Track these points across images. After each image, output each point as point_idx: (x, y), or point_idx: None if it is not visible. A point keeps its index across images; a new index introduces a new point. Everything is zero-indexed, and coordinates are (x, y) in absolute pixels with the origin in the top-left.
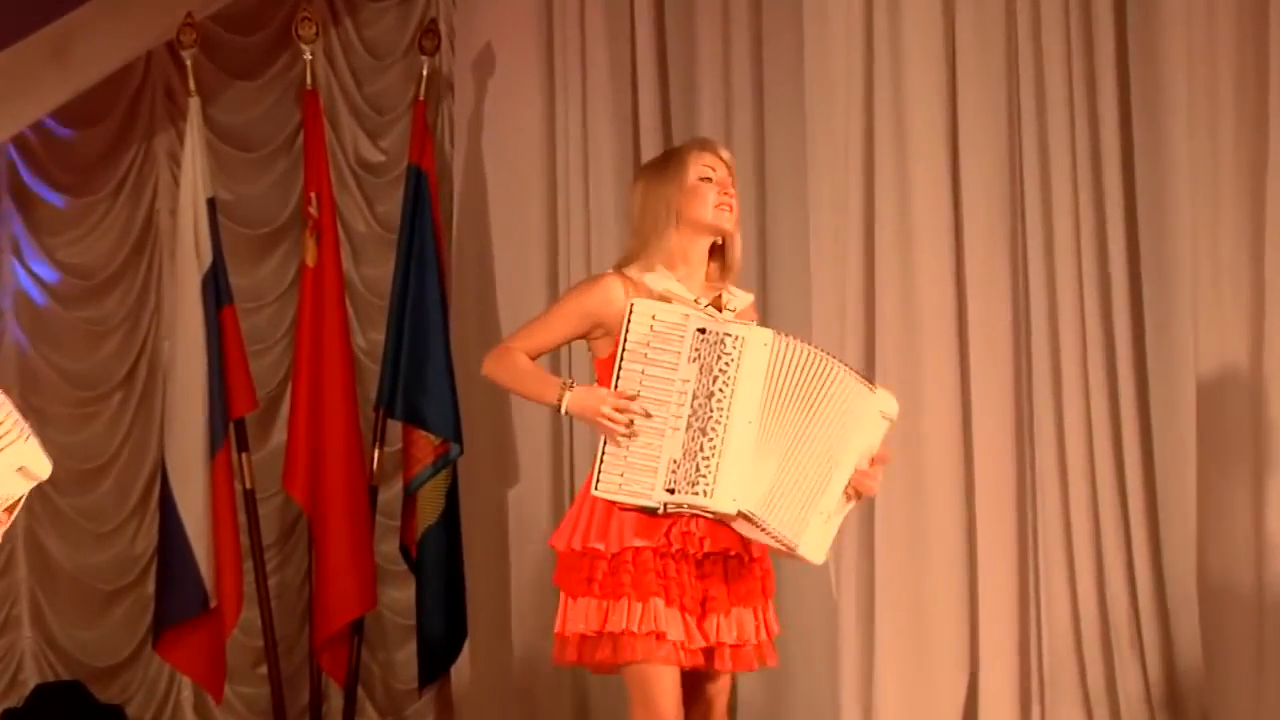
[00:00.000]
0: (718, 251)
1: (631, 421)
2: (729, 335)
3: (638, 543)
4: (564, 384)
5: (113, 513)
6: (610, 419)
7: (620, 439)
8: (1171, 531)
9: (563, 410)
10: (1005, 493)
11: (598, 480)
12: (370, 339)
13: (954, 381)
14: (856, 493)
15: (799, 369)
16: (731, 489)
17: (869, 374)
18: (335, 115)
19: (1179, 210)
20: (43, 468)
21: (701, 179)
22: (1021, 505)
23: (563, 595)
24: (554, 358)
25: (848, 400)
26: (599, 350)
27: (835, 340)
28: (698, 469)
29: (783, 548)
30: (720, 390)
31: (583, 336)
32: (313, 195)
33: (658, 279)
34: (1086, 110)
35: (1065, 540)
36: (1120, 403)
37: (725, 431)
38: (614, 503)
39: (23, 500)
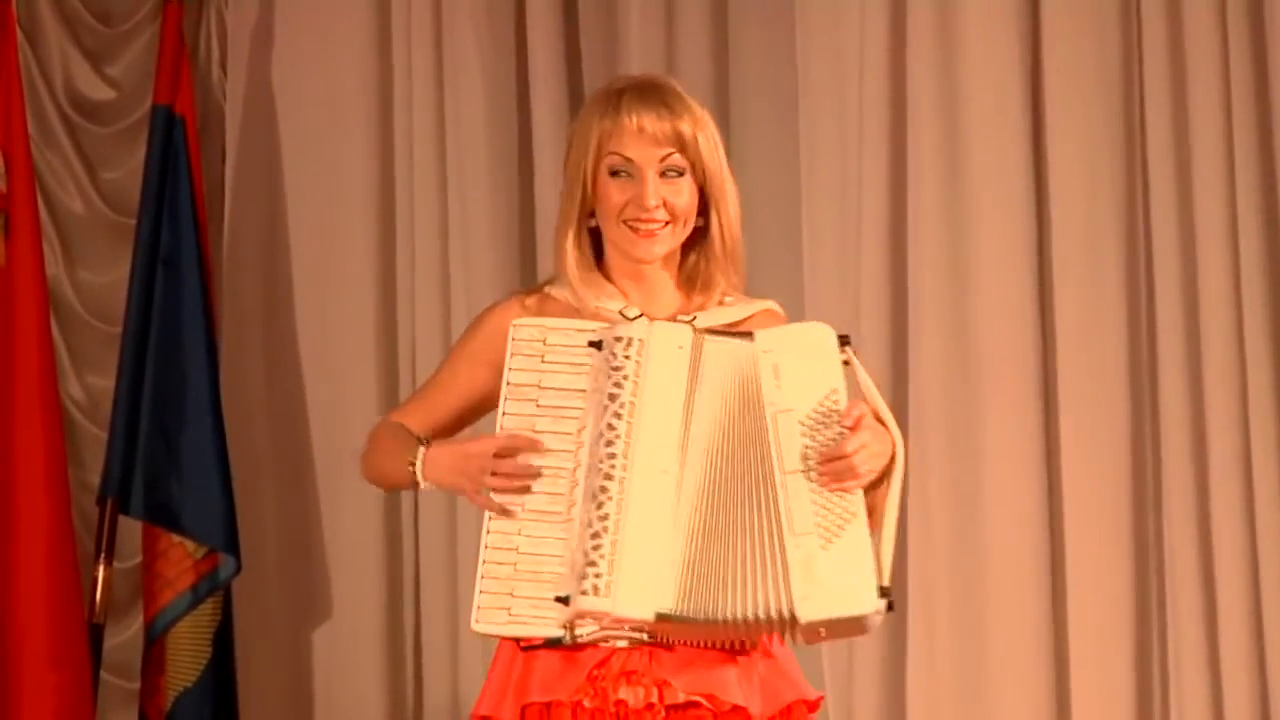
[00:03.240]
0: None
1: (531, 473)
2: (618, 339)
3: (539, 696)
4: (418, 446)
5: None
6: (485, 469)
7: (503, 506)
8: None
9: (421, 481)
10: (1114, 566)
11: (476, 604)
12: (90, 386)
13: (1036, 421)
14: (839, 481)
15: (724, 370)
16: (642, 582)
17: (899, 407)
18: (34, 25)
19: None
20: None
21: (611, 169)
22: (1142, 584)
23: None
24: None
25: (739, 370)
26: None
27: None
28: (585, 556)
29: (778, 632)
30: (611, 428)
31: (488, 395)
32: None
33: (569, 294)
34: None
35: (1206, 617)
36: None
37: (623, 491)
38: (513, 640)
39: None
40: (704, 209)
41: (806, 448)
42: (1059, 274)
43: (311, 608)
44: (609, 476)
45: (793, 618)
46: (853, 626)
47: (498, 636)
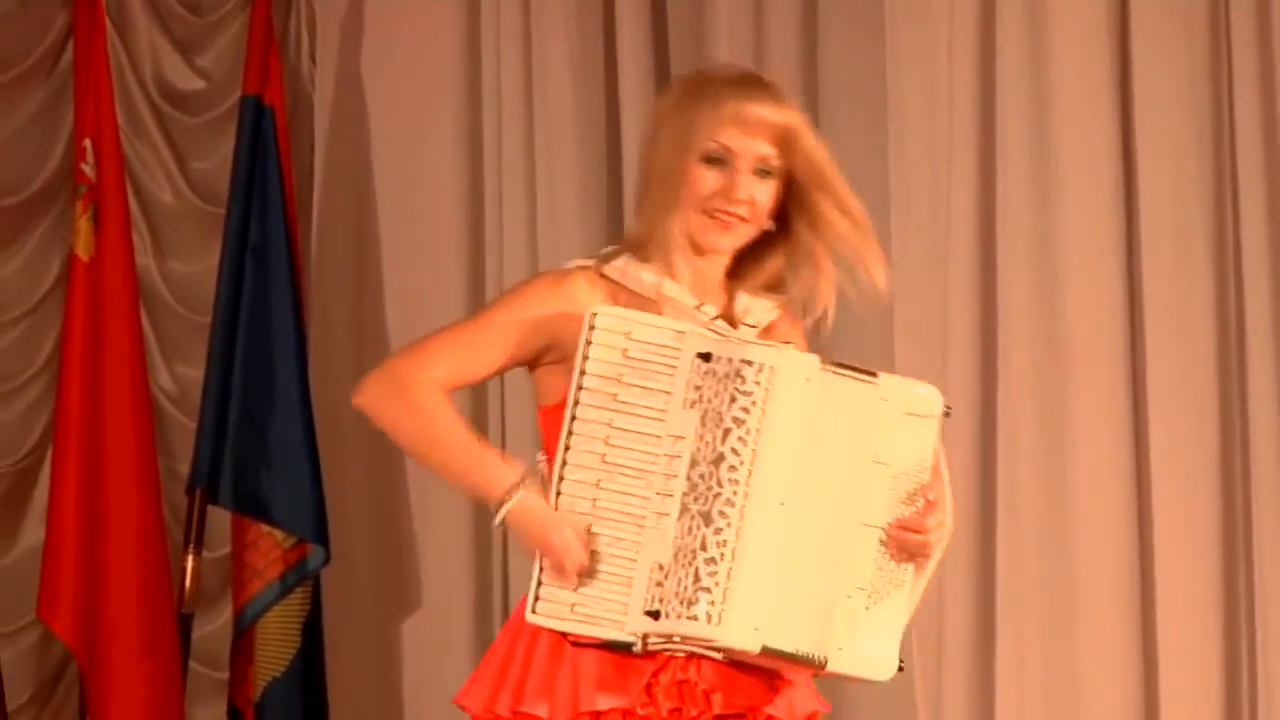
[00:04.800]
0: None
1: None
2: (748, 363)
3: (603, 703)
4: (514, 481)
5: None
6: (568, 552)
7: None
8: None
9: (498, 518)
10: (1202, 568)
11: (535, 598)
12: (180, 376)
13: (1126, 420)
14: (909, 555)
15: (842, 407)
16: (751, 612)
17: (989, 404)
18: (124, 16)
19: None
20: None
21: (705, 156)
22: (1230, 585)
23: None
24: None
25: (856, 411)
26: (548, 391)
27: (935, 366)
28: (697, 579)
29: (809, 670)
30: (735, 453)
31: (527, 364)
32: (87, 145)
33: (648, 275)
34: None
35: None
36: None
37: (743, 519)
38: (563, 635)
39: None
40: (779, 214)
41: (887, 507)
42: (1148, 272)
43: (401, 598)
44: (730, 503)
45: (823, 663)
46: (860, 683)
47: (554, 630)
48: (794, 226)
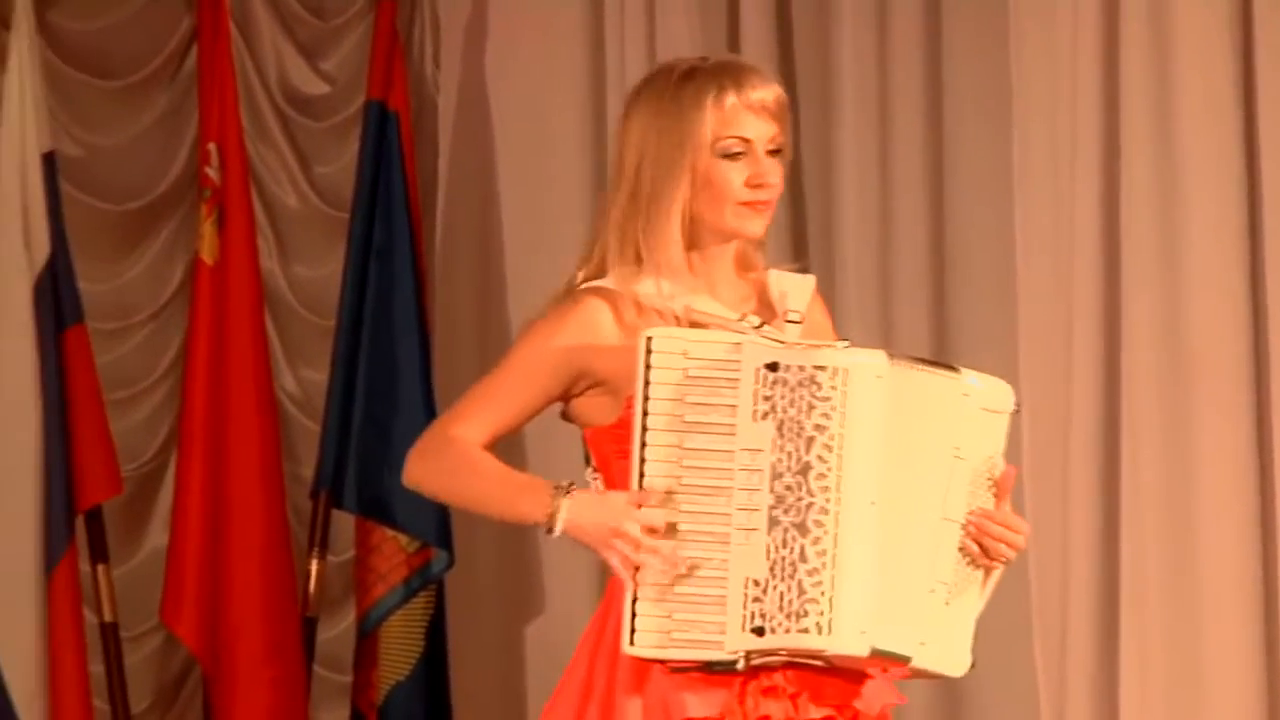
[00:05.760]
0: None
1: (674, 551)
2: (821, 369)
3: (694, 710)
4: (556, 487)
5: None
6: (636, 545)
7: (650, 580)
8: None
9: (556, 529)
10: None
11: (631, 631)
12: (305, 380)
13: (1249, 425)
14: (985, 552)
15: (919, 402)
16: (857, 617)
17: (1112, 409)
18: (248, 21)
19: None
20: None
21: (725, 152)
22: None
23: None
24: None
25: (937, 405)
26: (592, 415)
27: (1059, 369)
28: (802, 591)
29: (898, 666)
30: (822, 460)
31: (560, 399)
32: (211, 149)
33: (665, 289)
34: None
35: None
36: None
37: (838, 525)
38: (659, 662)
39: None
40: None
41: (966, 501)
42: (1272, 280)
43: (524, 601)
44: (824, 511)
45: (910, 659)
46: (934, 678)
47: (654, 660)
48: None
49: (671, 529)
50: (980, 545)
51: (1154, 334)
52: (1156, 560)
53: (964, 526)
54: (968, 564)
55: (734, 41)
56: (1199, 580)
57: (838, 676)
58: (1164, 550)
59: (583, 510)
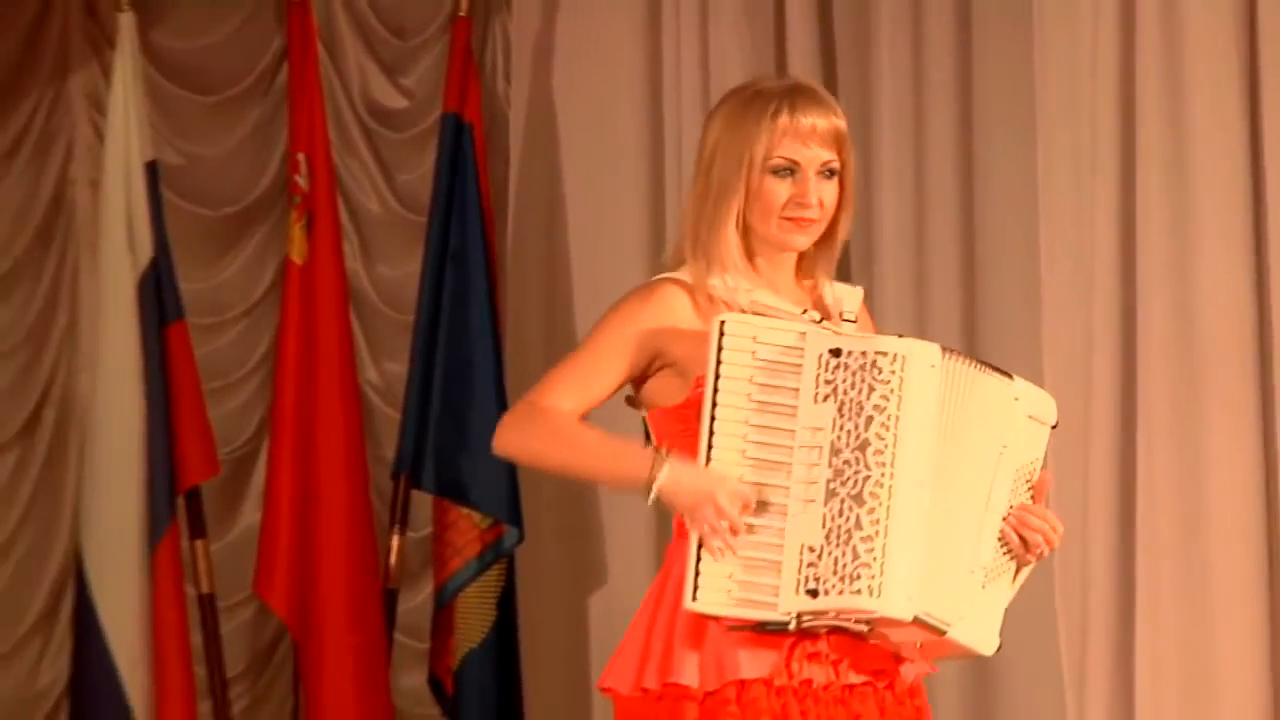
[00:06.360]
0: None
1: (750, 526)
2: (882, 354)
3: (748, 671)
4: (657, 450)
5: (5, 627)
6: (721, 513)
7: (718, 545)
8: None
9: (655, 488)
10: None
11: (694, 588)
12: (386, 371)
13: (1257, 428)
14: (1024, 543)
15: (971, 397)
16: (905, 583)
17: (1129, 411)
18: (335, 40)
19: None
20: None
21: (774, 169)
22: None
23: None
24: None
25: (988, 404)
26: (656, 396)
27: (1079, 374)
28: (855, 556)
29: (935, 635)
30: (879, 437)
31: (634, 379)
32: (301, 159)
33: (731, 285)
34: None
35: None
36: None
37: (891, 497)
38: (716, 618)
39: None
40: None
41: (1008, 496)
42: (1274, 281)
43: (588, 574)
44: (880, 484)
45: (945, 630)
46: (964, 655)
47: (713, 616)
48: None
49: (746, 529)
50: (1020, 537)
51: (1167, 339)
52: (1170, 561)
53: (1005, 518)
54: (1005, 553)
55: (780, 63)
56: (1210, 579)
57: (874, 645)
58: (1177, 551)
59: (682, 474)
